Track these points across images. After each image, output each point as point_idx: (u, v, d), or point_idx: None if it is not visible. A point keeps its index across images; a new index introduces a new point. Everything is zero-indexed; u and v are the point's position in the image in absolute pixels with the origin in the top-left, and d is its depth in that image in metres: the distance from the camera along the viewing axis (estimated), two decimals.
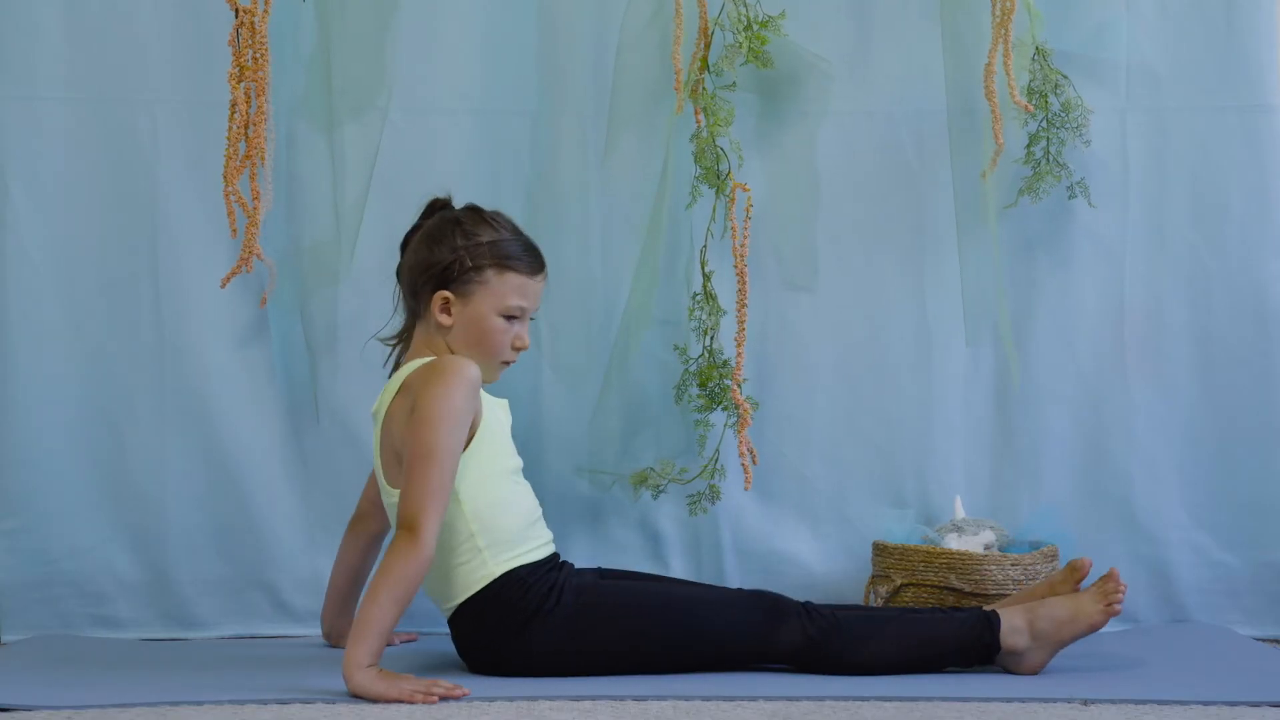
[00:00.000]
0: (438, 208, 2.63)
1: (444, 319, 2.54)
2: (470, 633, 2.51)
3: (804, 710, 2.24)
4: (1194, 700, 2.29)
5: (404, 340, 2.64)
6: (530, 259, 2.58)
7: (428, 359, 2.52)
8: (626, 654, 2.48)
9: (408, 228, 2.97)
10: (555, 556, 2.59)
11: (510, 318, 2.55)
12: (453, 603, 2.50)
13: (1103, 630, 2.92)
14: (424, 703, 2.29)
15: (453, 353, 2.53)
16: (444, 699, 2.30)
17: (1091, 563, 2.56)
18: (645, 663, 2.49)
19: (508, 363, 2.59)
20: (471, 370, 2.45)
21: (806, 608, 2.49)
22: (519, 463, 2.60)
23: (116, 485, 2.97)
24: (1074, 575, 2.56)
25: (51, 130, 2.96)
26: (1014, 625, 2.47)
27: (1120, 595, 2.47)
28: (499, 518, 2.50)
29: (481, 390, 2.50)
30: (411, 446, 2.40)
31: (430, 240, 2.57)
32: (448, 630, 2.97)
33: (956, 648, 2.48)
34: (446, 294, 2.53)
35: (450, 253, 2.54)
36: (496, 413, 2.57)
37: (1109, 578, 2.50)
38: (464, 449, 2.45)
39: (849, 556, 3.02)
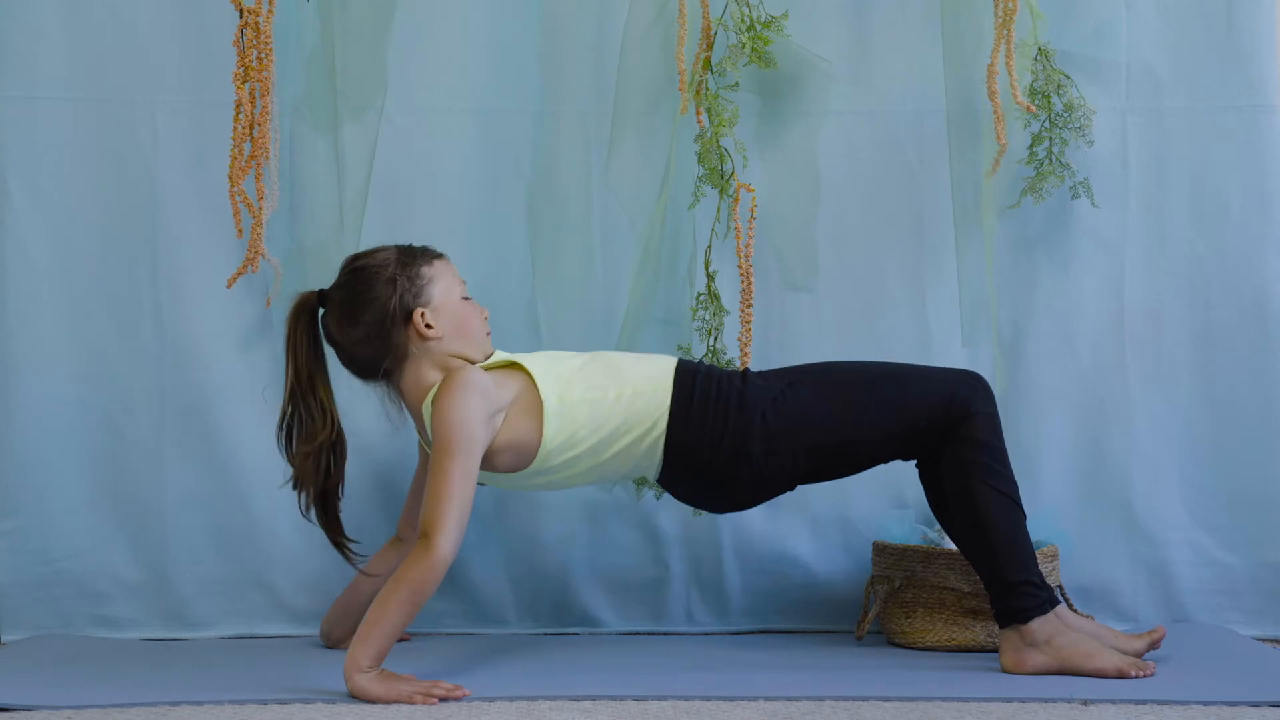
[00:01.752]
0: (312, 300, 2.61)
1: (432, 332, 2.57)
2: (693, 456, 2.58)
3: (804, 710, 2.24)
4: (1194, 700, 2.29)
5: (397, 397, 2.66)
6: (429, 250, 2.64)
7: (436, 384, 2.54)
8: (824, 420, 2.58)
9: (408, 228, 2.97)
10: (681, 363, 2.64)
11: (465, 297, 2.63)
12: (659, 434, 2.57)
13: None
14: (424, 704, 2.29)
15: (451, 357, 2.57)
16: (444, 700, 2.30)
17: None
18: (841, 428, 2.58)
19: (488, 334, 2.66)
20: (469, 376, 2.49)
21: (997, 420, 2.58)
22: (569, 353, 2.66)
23: (116, 485, 2.97)
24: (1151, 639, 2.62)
25: (51, 130, 2.96)
26: (1049, 619, 2.49)
27: (1141, 674, 2.46)
28: (608, 373, 2.58)
29: (499, 376, 2.55)
30: (431, 464, 2.46)
31: (360, 298, 2.57)
32: (444, 630, 2.99)
33: (1009, 584, 2.51)
34: (420, 310, 2.57)
35: (388, 284, 2.57)
36: (527, 360, 2.60)
37: (1144, 652, 2.56)
38: (536, 391, 2.53)
39: (849, 556, 3.02)
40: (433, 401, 2.51)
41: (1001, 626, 2.53)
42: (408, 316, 2.56)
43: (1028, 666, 2.49)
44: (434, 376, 2.57)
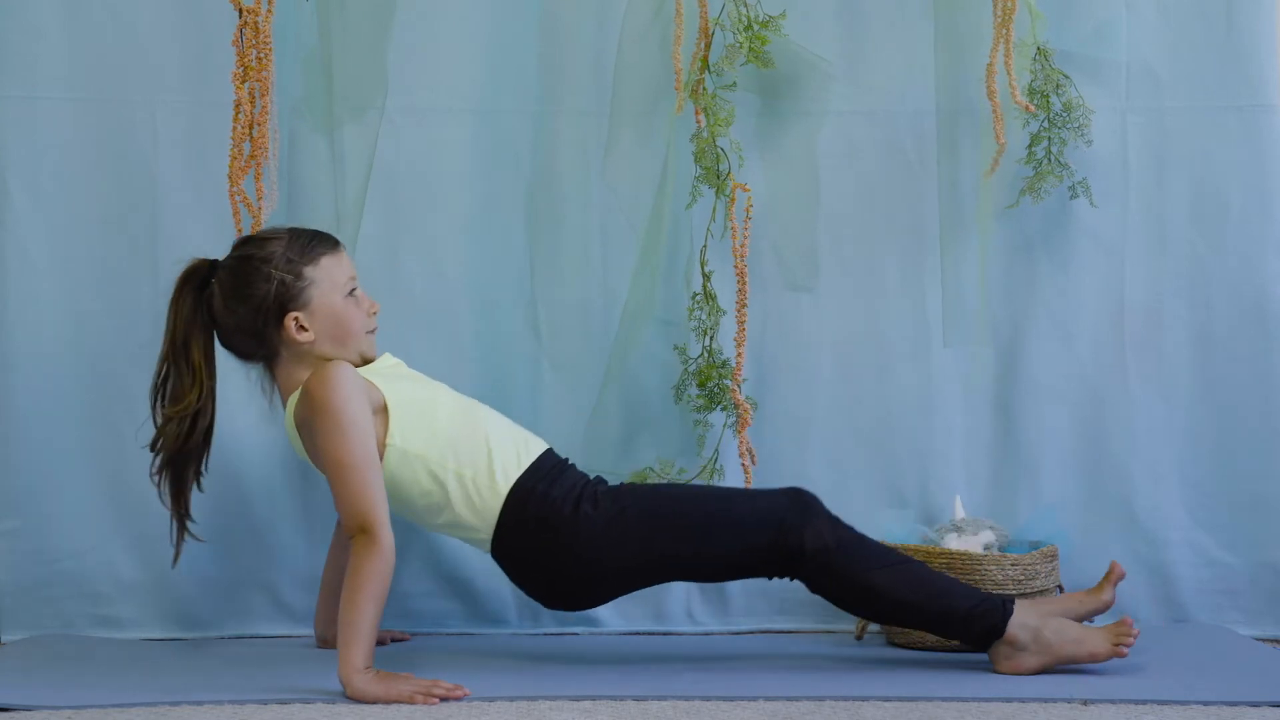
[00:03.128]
0: (204, 269, 2.61)
1: (304, 335, 2.56)
2: (516, 561, 2.56)
3: (804, 710, 2.24)
4: (1194, 700, 2.29)
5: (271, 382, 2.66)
6: (323, 239, 2.62)
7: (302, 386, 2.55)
8: (661, 540, 2.53)
9: (408, 228, 2.97)
10: (551, 453, 2.63)
11: (350, 292, 2.60)
12: (485, 536, 2.55)
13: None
14: (424, 704, 2.29)
15: (325, 360, 2.56)
16: (444, 699, 2.30)
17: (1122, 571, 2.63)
18: (677, 552, 2.53)
19: (372, 331, 2.64)
20: (339, 370, 2.50)
21: (836, 518, 2.53)
22: (442, 387, 2.66)
23: (116, 485, 2.97)
24: (1110, 579, 2.61)
25: (51, 130, 2.96)
26: (1024, 621, 2.48)
27: (1131, 641, 2.46)
28: (462, 445, 2.55)
29: (367, 375, 2.56)
30: (327, 465, 2.47)
31: (240, 289, 2.57)
32: (444, 630, 2.99)
33: (965, 615, 2.49)
34: (294, 314, 2.55)
35: (266, 282, 2.55)
36: (386, 377, 2.59)
37: (1124, 623, 2.50)
38: (387, 424, 2.52)
39: None
40: (301, 397, 2.52)
41: (986, 650, 2.52)
42: (281, 316, 2.56)
43: (1024, 669, 2.49)
44: (303, 375, 2.57)
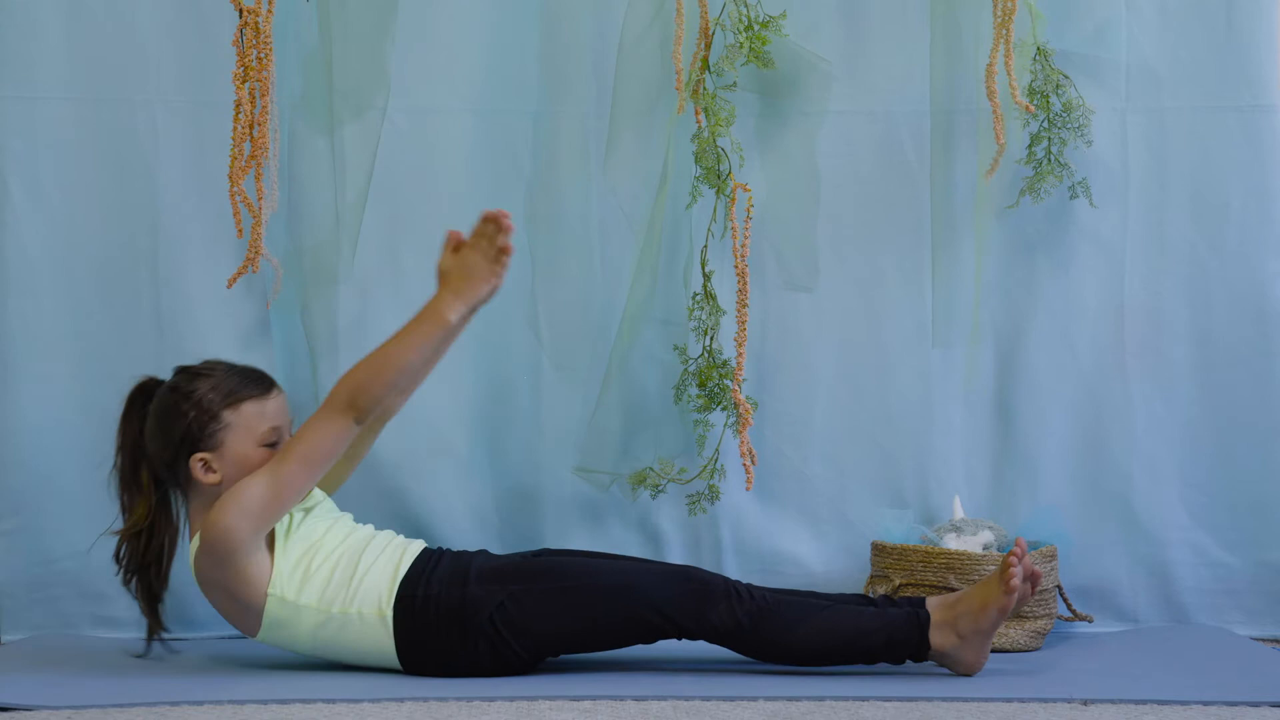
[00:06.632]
0: (150, 388, 2.59)
1: (210, 477, 2.50)
2: (418, 660, 2.50)
3: (804, 710, 2.24)
4: (1194, 700, 2.29)
5: (149, 533, 2.59)
6: (255, 383, 2.56)
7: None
8: (557, 632, 2.48)
9: (408, 228, 2.97)
10: (426, 552, 2.56)
11: (270, 444, 2.53)
12: (388, 653, 2.50)
13: (1102, 630, 2.95)
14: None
15: None
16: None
17: (1024, 543, 2.48)
18: (577, 640, 2.50)
19: None
20: (226, 505, 2.45)
21: (735, 589, 2.48)
22: (338, 523, 2.60)
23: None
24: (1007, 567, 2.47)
25: (51, 130, 2.96)
26: (938, 625, 2.47)
27: (1013, 571, 2.41)
28: (335, 585, 2.50)
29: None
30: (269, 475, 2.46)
31: (160, 420, 2.53)
32: None
33: (885, 643, 2.47)
34: (201, 455, 2.50)
35: (181, 419, 2.51)
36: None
37: (1008, 556, 2.45)
38: (272, 564, 2.48)
39: (849, 556, 3.02)
40: (200, 546, 2.47)
41: (927, 658, 2.49)
42: (189, 455, 2.50)
43: (974, 667, 2.47)
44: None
